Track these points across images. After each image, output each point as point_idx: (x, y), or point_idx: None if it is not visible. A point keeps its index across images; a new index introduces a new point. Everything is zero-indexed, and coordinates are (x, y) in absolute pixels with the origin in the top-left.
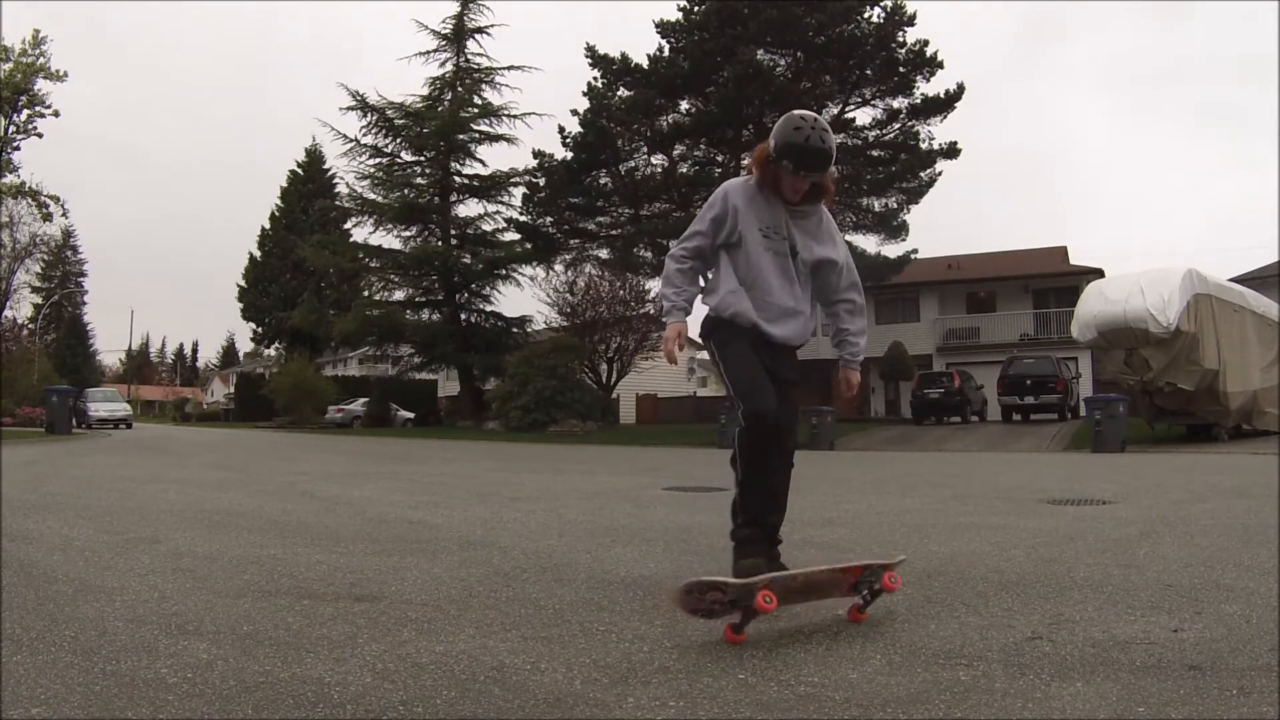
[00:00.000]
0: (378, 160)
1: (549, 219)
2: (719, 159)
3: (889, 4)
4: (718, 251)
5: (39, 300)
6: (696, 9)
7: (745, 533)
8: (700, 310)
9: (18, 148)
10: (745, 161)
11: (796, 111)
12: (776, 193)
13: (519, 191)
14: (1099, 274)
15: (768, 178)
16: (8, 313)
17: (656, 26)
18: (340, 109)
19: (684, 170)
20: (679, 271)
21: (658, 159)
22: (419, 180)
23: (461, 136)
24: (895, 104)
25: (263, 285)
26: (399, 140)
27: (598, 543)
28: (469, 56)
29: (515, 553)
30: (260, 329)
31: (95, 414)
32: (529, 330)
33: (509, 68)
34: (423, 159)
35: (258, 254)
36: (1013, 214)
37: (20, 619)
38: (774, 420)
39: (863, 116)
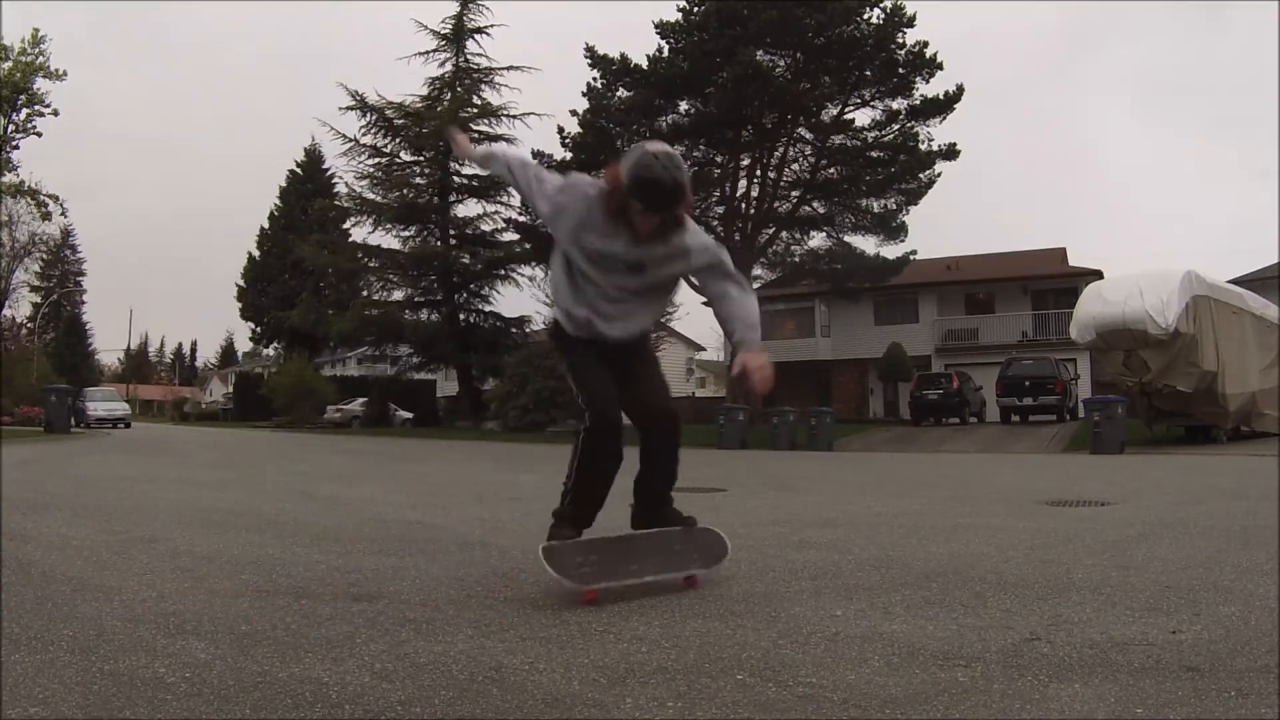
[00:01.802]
0: (377, 160)
1: None
2: (718, 160)
3: (889, 5)
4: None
5: (38, 299)
6: (696, 10)
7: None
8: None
9: (17, 146)
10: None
11: (650, 146)
12: (622, 221)
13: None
14: (1098, 275)
15: (615, 206)
16: (7, 311)
17: (656, 27)
18: (339, 109)
19: None
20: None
21: None
22: (418, 180)
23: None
24: (894, 105)
25: (261, 285)
26: (398, 140)
27: None
28: (468, 56)
29: (514, 553)
30: (259, 328)
31: (94, 413)
32: (528, 330)
33: (508, 68)
34: (422, 159)
35: (256, 253)
36: (1012, 215)
37: (18, 618)
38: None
39: (862, 117)
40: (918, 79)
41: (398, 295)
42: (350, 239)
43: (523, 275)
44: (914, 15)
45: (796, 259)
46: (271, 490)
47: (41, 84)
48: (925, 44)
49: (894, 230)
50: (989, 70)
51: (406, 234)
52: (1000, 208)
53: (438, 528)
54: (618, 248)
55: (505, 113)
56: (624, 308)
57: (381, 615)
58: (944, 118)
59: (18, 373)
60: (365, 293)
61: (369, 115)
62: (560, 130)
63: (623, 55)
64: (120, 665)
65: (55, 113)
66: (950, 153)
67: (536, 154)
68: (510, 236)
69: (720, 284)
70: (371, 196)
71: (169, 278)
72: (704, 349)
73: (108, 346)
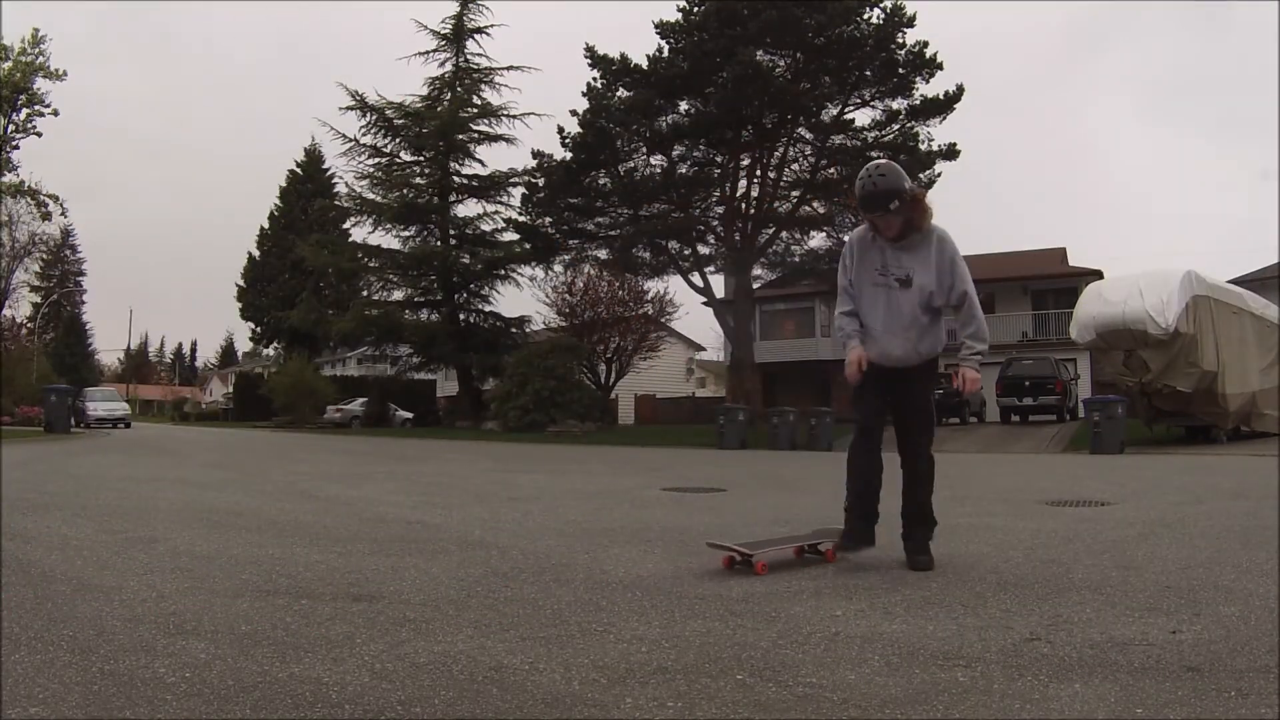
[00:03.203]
0: (377, 160)
1: (548, 219)
2: (718, 160)
3: (889, 5)
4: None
5: (38, 299)
6: (696, 10)
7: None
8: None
9: (17, 146)
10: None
11: (871, 164)
12: (880, 234)
13: (518, 192)
14: (1098, 275)
15: (866, 221)
16: (7, 311)
17: (656, 27)
18: (339, 108)
19: (683, 171)
20: (844, 315)
21: (657, 159)
22: (418, 180)
23: (461, 136)
24: (895, 105)
25: (261, 285)
26: (398, 140)
27: (596, 543)
28: (468, 56)
29: (513, 553)
30: (259, 328)
31: (94, 413)
32: (528, 330)
33: (508, 68)
34: (422, 159)
35: (256, 253)
36: (1012, 215)
37: (19, 618)
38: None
39: (862, 118)
40: (918, 79)
41: (398, 295)
42: (350, 239)
43: (522, 275)
44: (914, 15)
45: (796, 259)
46: (271, 490)
47: (41, 84)
48: (925, 44)
49: None
50: (989, 70)
51: (406, 234)
52: (1000, 208)
53: (437, 528)
54: (888, 260)
55: (505, 113)
56: (890, 336)
57: (381, 615)
58: (944, 118)
59: (18, 373)
60: (365, 293)
61: (369, 115)
62: (560, 130)
63: (623, 55)
64: (120, 665)
65: (55, 113)
66: (950, 153)
67: (536, 154)
68: (510, 236)
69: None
70: (371, 196)
71: (169, 278)
72: (704, 349)
73: (108, 346)
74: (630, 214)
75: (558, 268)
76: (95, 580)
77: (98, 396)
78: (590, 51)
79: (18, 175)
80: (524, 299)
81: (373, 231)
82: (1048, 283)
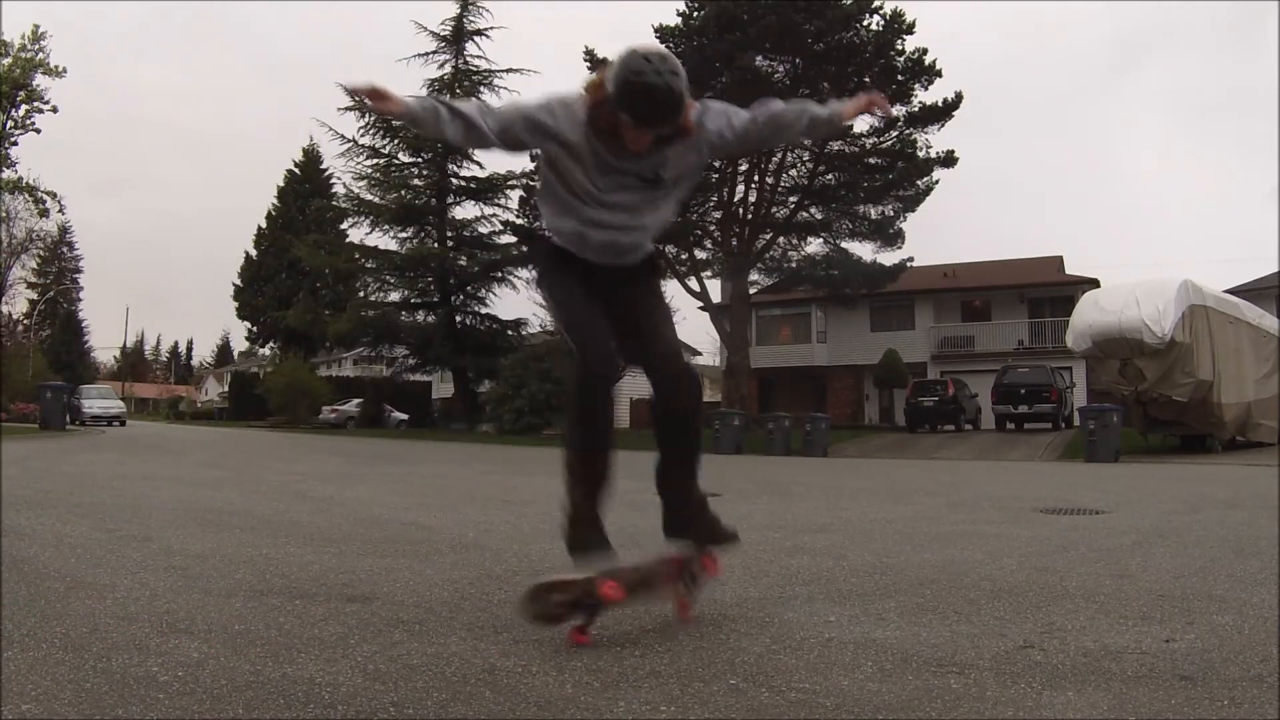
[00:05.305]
0: (375, 161)
1: None
2: (716, 165)
3: (888, 12)
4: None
5: (34, 296)
6: (695, 14)
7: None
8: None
9: (15, 143)
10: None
11: (640, 48)
12: (612, 141)
13: (516, 194)
14: (1094, 284)
15: (603, 124)
16: (4, 308)
17: (655, 31)
18: (338, 109)
19: None
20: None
21: None
22: (416, 182)
23: None
24: (893, 112)
25: (258, 284)
26: (396, 141)
27: None
28: (468, 59)
29: (508, 555)
30: (255, 328)
31: (89, 411)
32: (524, 333)
33: (507, 70)
34: (420, 160)
35: (254, 253)
36: (1009, 222)
37: (11, 615)
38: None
39: (860, 124)
40: (916, 86)
41: (394, 296)
42: (347, 239)
43: (519, 278)
44: (913, 22)
45: (793, 264)
46: (266, 490)
47: (41, 80)
48: (924, 51)
49: (891, 237)
50: (991, 77)
51: (404, 235)
52: (997, 215)
53: (432, 529)
54: (622, 164)
55: None
56: (625, 217)
57: (375, 616)
58: (942, 125)
59: (14, 369)
60: (362, 293)
61: (367, 116)
62: None
63: None
64: (113, 663)
65: (54, 109)
66: (948, 159)
67: (535, 156)
68: (508, 239)
69: (758, 108)
70: (369, 197)
71: (166, 276)
72: (700, 354)
73: (104, 344)
74: None
75: None
76: (88, 578)
77: (93, 394)
78: (589, 55)
79: (15, 171)
80: (520, 301)
81: (370, 232)
82: (1044, 290)
